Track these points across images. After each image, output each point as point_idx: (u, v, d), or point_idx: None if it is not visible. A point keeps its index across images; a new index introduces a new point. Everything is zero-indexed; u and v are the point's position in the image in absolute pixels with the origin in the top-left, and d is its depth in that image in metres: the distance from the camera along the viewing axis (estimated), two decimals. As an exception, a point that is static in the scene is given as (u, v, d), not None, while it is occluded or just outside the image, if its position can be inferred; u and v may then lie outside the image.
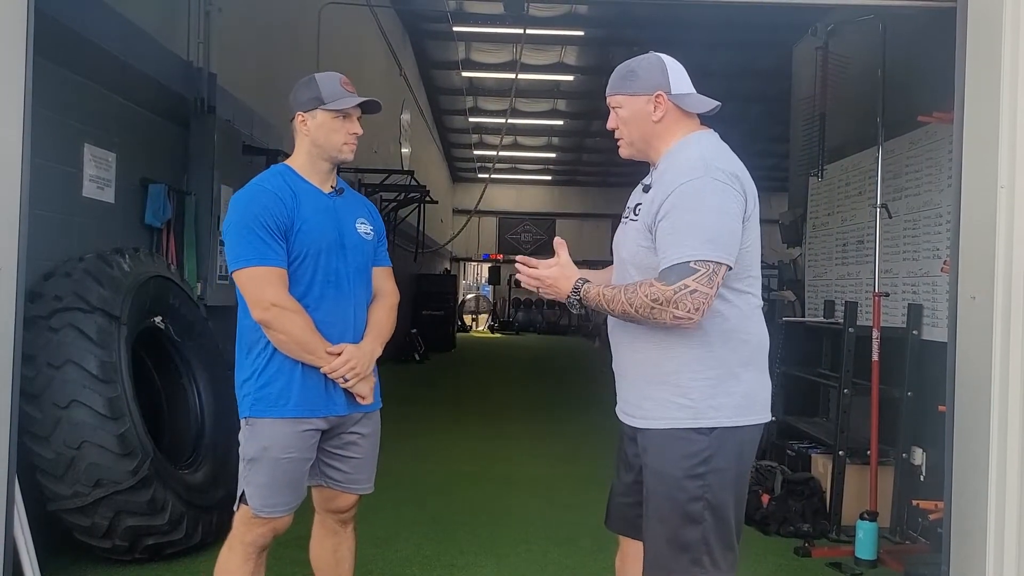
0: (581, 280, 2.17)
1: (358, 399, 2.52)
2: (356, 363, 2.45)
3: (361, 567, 3.78)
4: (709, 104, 2.21)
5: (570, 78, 15.42)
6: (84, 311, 3.49)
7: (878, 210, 4.45)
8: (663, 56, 2.23)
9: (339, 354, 2.43)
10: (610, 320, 2.30)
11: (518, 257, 2.32)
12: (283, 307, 2.35)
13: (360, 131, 2.54)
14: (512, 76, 13.44)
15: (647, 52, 2.27)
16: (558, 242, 2.26)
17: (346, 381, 2.44)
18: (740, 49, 12.47)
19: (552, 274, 2.21)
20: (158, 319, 4.00)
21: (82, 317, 3.47)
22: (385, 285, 2.68)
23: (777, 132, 15.58)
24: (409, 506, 4.84)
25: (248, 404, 2.43)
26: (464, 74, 15.40)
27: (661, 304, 1.99)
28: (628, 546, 2.39)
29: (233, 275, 2.41)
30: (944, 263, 4.17)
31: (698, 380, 2.10)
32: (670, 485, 2.10)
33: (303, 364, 2.41)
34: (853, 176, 5.53)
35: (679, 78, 2.20)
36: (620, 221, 2.32)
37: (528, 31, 11.96)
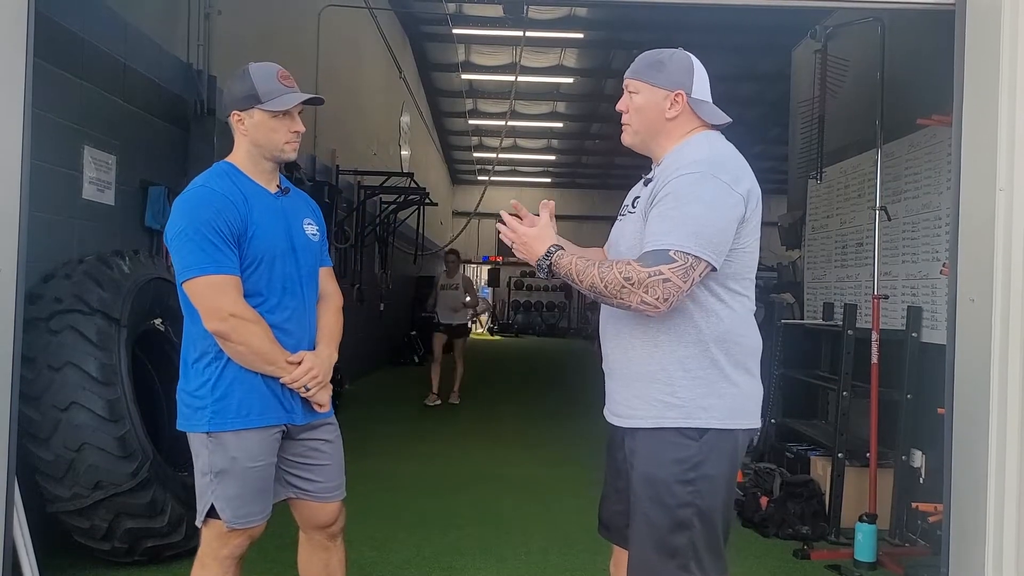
0: (555, 246, 2.12)
1: (316, 407, 2.42)
2: (317, 371, 2.36)
3: (360, 570, 3.79)
4: (723, 118, 2.20)
5: (570, 80, 15.43)
6: (84, 313, 3.49)
7: (877, 212, 4.45)
8: (693, 57, 2.21)
9: (299, 363, 2.33)
10: (602, 317, 2.29)
11: (512, 202, 2.27)
12: (242, 317, 2.23)
13: (302, 128, 2.39)
14: (512, 78, 13.43)
15: (677, 48, 2.24)
16: (544, 204, 2.23)
17: (307, 390, 2.35)
18: (739, 52, 12.49)
19: (528, 233, 2.17)
20: (158, 321, 4.00)
21: (82, 319, 3.47)
22: (329, 286, 2.56)
23: (776, 134, 15.63)
24: (408, 508, 4.85)
25: (206, 418, 2.30)
26: (464, 76, 15.41)
27: (632, 285, 1.95)
28: (622, 553, 2.35)
29: (184, 285, 2.27)
30: (943, 265, 4.17)
31: (689, 379, 2.07)
32: (660, 490, 2.07)
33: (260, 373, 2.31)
34: (852, 179, 5.53)
35: (702, 84, 2.19)
36: (617, 219, 2.31)
37: (528, 33, 11.96)
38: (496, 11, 11.67)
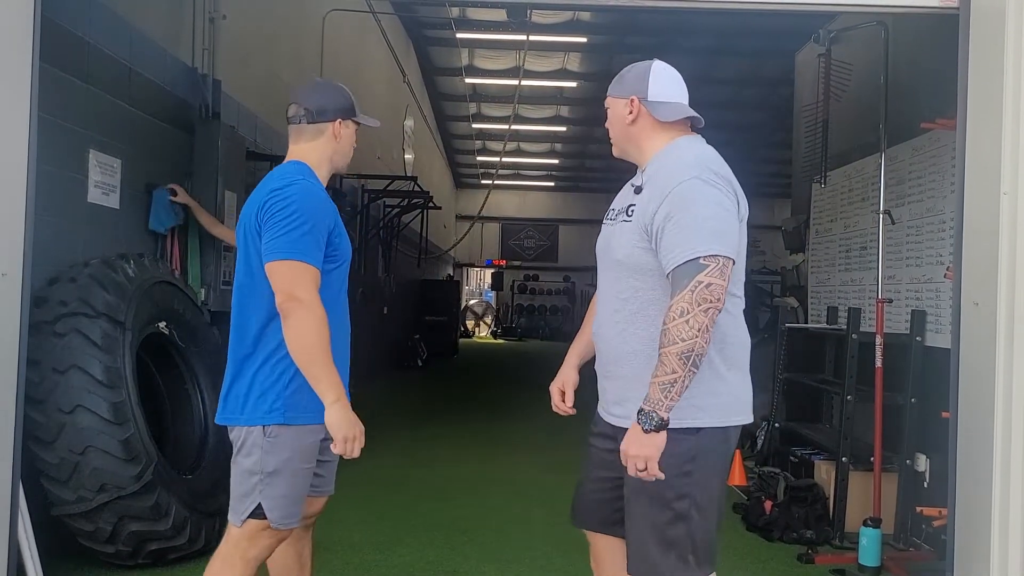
0: (640, 416, 2.02)
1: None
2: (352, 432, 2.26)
3: (364, 573, 3.80)
4: (679, 114, 2.23)
5: (573, 84, 15.43)
6: (89, 316, 3.50)
7: (881, 216, 4.44)
8: (655, 63, 2.28)
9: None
10: (596, 319, 2.34)
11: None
12: (324, 316, 2.24)
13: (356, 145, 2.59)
14: (515, 82, 13.46)
15: (651, 58, 2.32)
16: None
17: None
18: (743, 56, 12.48)
19: (637, 452, 2.05)
20: (163, 324, 4.01)
21: (87, 322, 3.48)
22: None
23: (780, 138, 15.61)
24: (412, 512, 4.85)
25: (279, 411, 2.28)
26: (467, 80, 15.43)
27: (690, 313, 1.97)
28: (600, 542, 2.41)
29: (280, 262, 2.24)
30: (947, 269, 4.17)
31: None
32: (658, 483, 2.10)
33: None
34: (856, 182, 5.53)
35: (661, 86, 2.24)
36: (604, 224, 2.35)
37: (531, 38, 11.98)
38: (500, 15, 11.69)
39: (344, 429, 2.21)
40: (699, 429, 2.12)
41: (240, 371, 2.35)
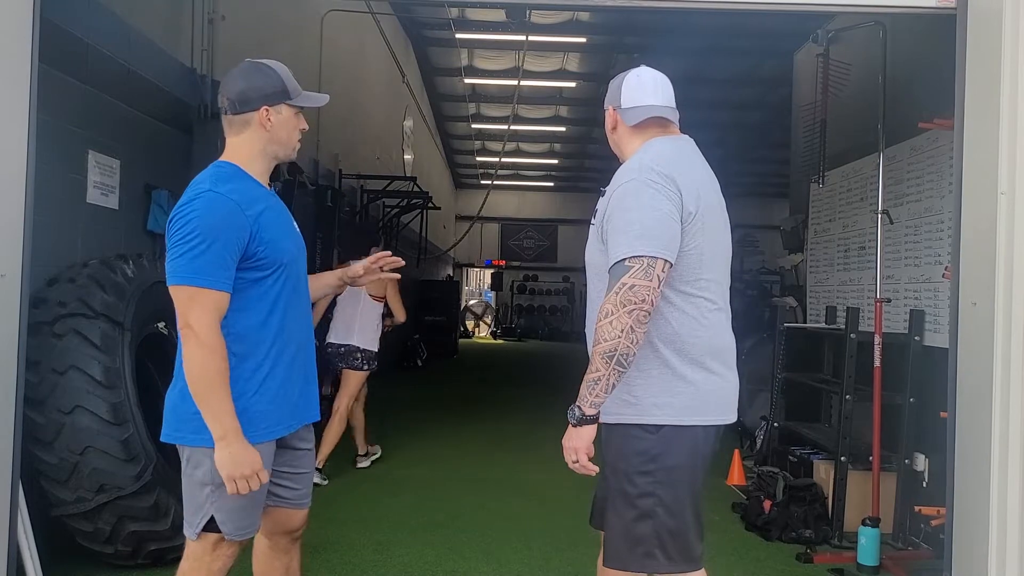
0: (568, 410, 2.15)
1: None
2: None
3: (363, 573, 3.80)
4: (641, 116, 2.30)
5: (572, 85, 15.43)
6: (88, 317, 3.50)
7: (879, 216, 4.45)
8: (632, 71, 2.36)
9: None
10: (586, 318, 2.38)
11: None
12: (215, 346, 2.07)
13: (307, 127, 2.36)
14: (514, 83, 13.46)
15: (647, 60, 2.38)
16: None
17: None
18: (742, 56, 12.47)
19: (567, 444, 2.19)
20: (161, 325, 4.01)
21: (86, 323, 3.48)
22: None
23: (778, 138, 15.59)
24: (410, 511, 4.85)
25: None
26: (467, 81, 15.42)
27: (615, 314, 2.04)
28: None
29: (177, 287, 2.09)
30: (946, 269, 4.17)
31: (643, 379, 2.18)
32: (622, 480, 2.20)
33: (280, 378, 2.22)
34: (854, 182, 5.54)
35: (633, 92, 2.32)
36: None
37: (530, 38, 11.98)
38: (499, 15, 11.69)
39: (229, 469, 2.08)
40: (659, 427, 2.17)
41: (182, 388, 2.16)
